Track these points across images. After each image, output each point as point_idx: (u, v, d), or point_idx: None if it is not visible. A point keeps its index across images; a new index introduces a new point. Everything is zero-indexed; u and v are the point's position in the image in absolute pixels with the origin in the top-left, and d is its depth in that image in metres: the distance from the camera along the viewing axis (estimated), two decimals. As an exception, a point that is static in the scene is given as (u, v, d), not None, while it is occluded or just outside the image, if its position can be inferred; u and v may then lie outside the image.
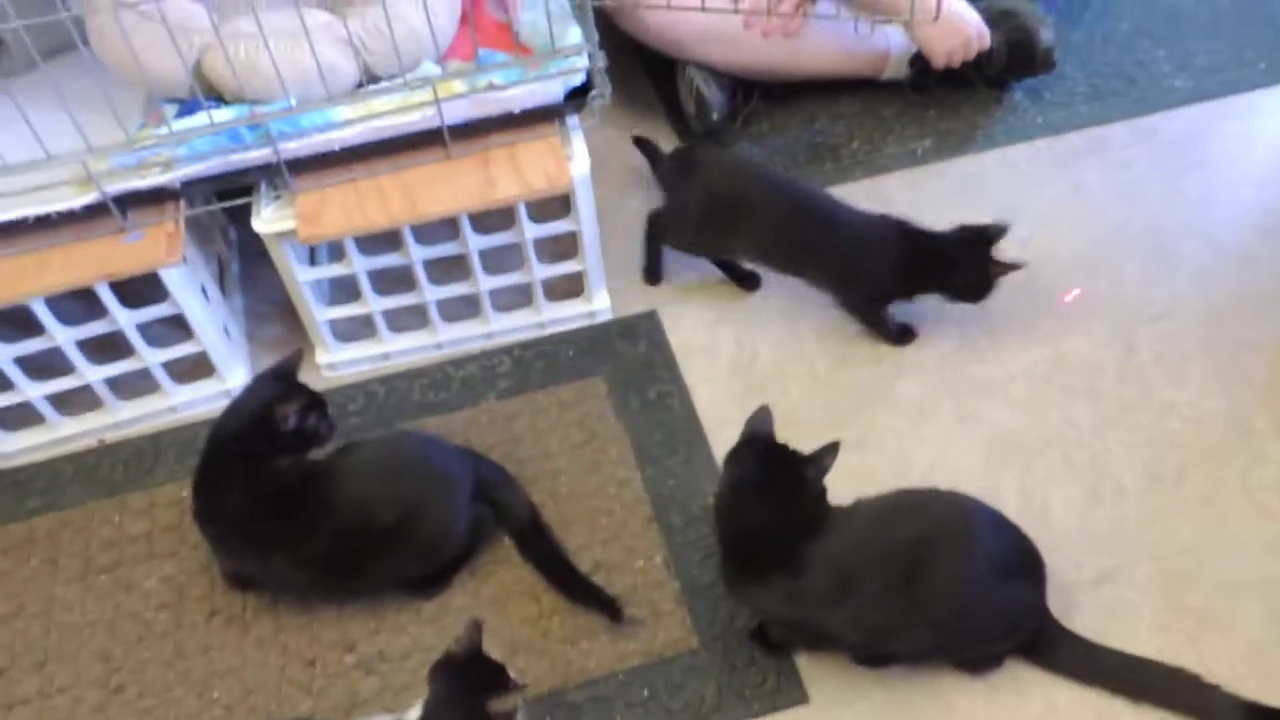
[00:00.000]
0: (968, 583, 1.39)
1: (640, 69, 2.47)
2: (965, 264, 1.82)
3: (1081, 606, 1.54)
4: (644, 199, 2.17)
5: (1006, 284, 1.85)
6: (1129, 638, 1.51)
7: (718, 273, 2.08)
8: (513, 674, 1.36)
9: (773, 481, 1.43)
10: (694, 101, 2.29)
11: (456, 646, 1.36)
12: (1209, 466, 1.72)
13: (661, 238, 2.06)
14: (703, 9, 2.02)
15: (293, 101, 1.75)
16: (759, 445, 1.47)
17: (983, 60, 2.26)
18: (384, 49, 1.82)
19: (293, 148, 1.77)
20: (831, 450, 1.41)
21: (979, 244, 1.80)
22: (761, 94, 2.37)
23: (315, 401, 1.62)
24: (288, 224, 1.78)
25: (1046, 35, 2.30)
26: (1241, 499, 1.67)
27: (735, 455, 1.48)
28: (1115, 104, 2.34)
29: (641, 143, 2.15)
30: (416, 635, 1.62)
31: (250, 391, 1.64)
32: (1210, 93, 2.34)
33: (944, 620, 1.39)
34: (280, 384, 1.63)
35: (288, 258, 1.82)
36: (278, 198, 1.82)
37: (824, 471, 1.42)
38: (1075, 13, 2.54)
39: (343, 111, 1.79)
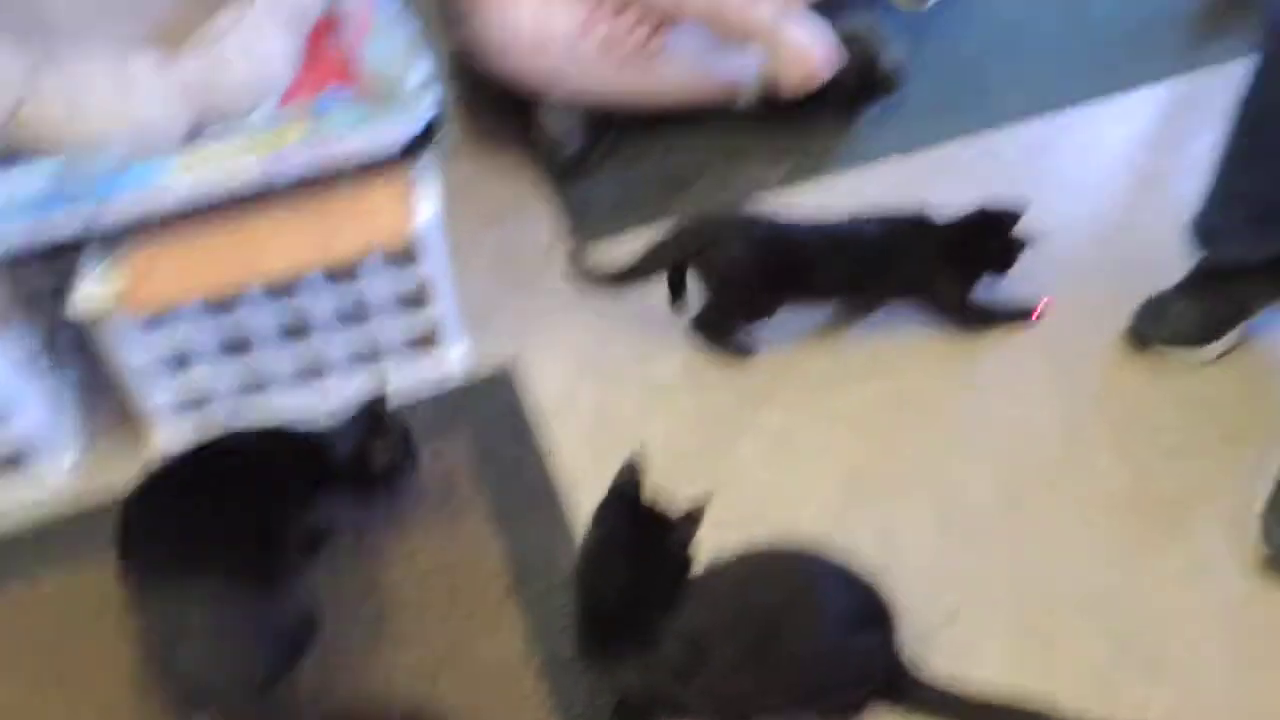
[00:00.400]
0: (817, 646, 1.41)
1: (499, 104, 2.41)
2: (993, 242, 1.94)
3: (938, 644, 1.58)
4: (500, 235, 2.14)
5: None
6: (985, 670, 1.55)
7: (580, 315, 2.06)
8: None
9: (636, 544, 1.42)
10: (549, 139, 2.26)
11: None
12: (1046, 485, 1.78)
13: (725, 329, 1.99)
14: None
15: (116, 154, 1.64)
16: (624, 504, 1.45)
17: (831, 86, 2.29)
18: (217, 95, 1.73)
19: (117, 209, 1.66)
20: (697, 514, 1.41)
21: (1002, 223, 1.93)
22: (618, 127, 2.35)
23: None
24: (108, 302, 1.66)
25: (889, 58, 2.34)
26: (1075, 516, 1.74)
27: (599, 514, 1.46)
28: (959, 120, 2.39)
29: (633, 273, 1.98)
30: None
31: None
32: (1049, 106, 2.41)
33: (796, 684, 1.41)
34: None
35: (113, 341, 1.71)
36: (101, 266, 1.70)
37: (689, 537, 1.41)
38: (922, 31, 2.59)
39: (172, 164, 1.69)
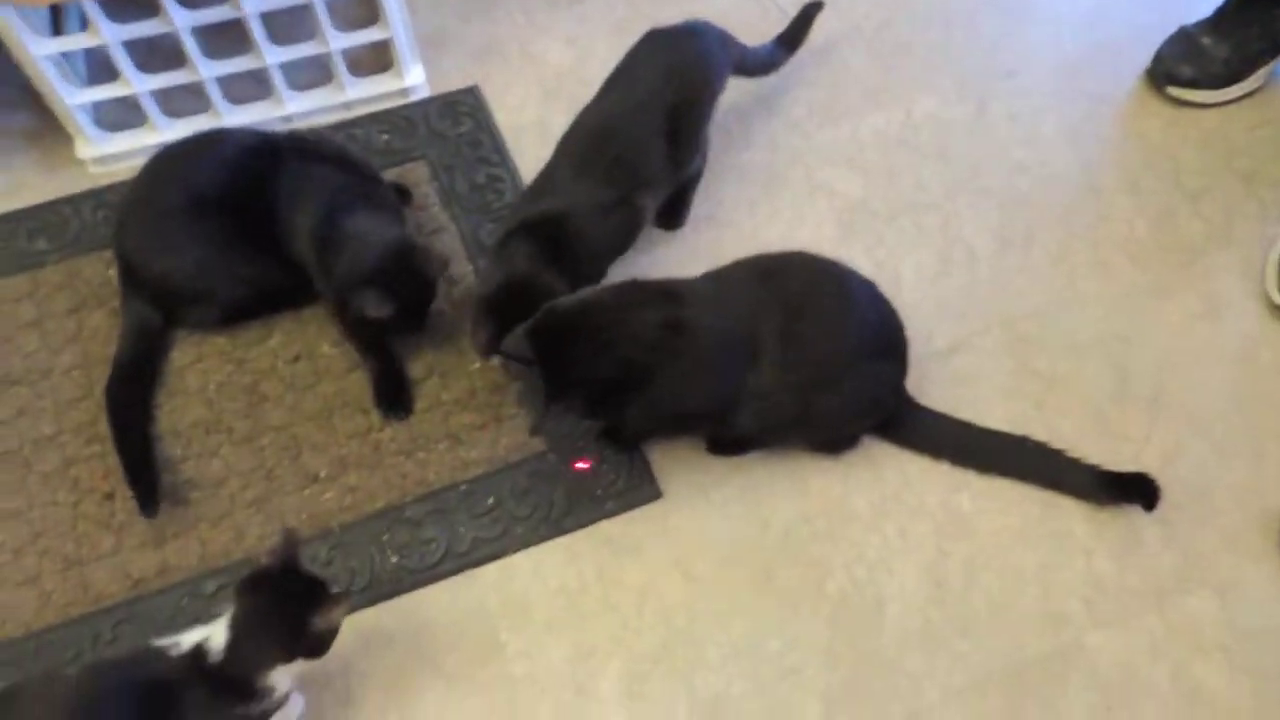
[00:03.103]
0: (844, 341, 1.32)
1: None
2: None
3: (934, 378, 1.50)
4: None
5: (854, 41, 1.71)
6: (979, 406, 1.48)
7: (539, 42, 1.88)
8: (333, 586, 1.18)
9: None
10: None
11: (269, 559, 1.15)
12: (1058, 226, 1.68)
13: None
14: None
15: None
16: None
17: None
18: None
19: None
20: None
21: None
22: None
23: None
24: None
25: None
26: (1088, 257, 1.64)
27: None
28: None
29: None
30: (230, 458, 1.46)
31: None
32: None
33: (815, 380, 1.31)
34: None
35: (14, 28, 1.49)
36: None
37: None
38: None
39: None
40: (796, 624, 1.34)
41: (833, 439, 1.44)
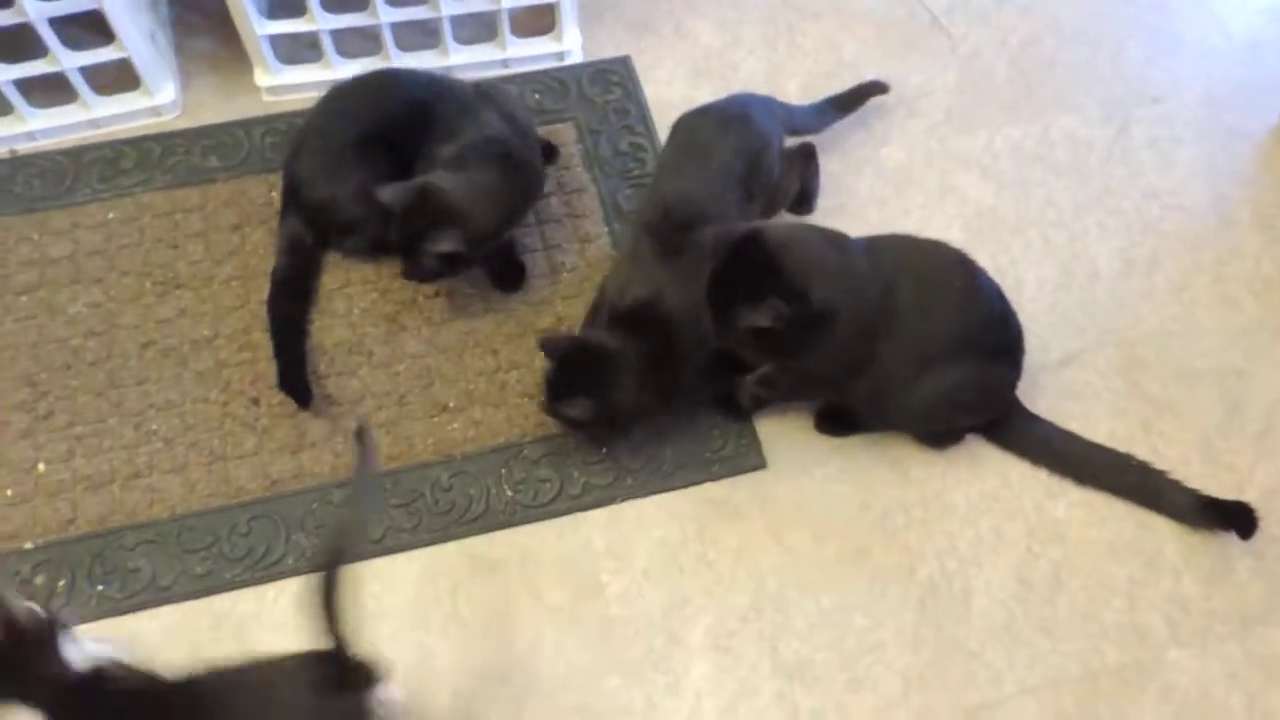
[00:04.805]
0: (966, 329, 1.37)
1: None
2: None
3: (1045, 387, 1.54)
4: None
5: (999, 52, 1.73)
6: (1086, 420, 1.52)
7: (692, 21, 1.94)
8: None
9: None
10: None
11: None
12: (1185, 255, 1.69)
13: None
14: None
15: None
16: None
17: None
18: None
19: None
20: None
21: None
22: None
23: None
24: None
25: None
26: (1212, 290, 1.66)
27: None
28: None
29: None
30: (368, 379, 1.56)
31: None
32: None
33: (931, 359, 1.36)
34: None
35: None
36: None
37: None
38: None
39: None
40: (884, 604, 1.40)
41: (938, 430, 1.49)
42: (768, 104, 1.62)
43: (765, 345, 1.34)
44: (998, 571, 1.42)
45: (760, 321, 1.27)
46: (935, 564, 1.43)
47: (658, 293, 1.43)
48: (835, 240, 1.36)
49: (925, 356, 1.36)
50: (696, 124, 1.55)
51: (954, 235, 1.70)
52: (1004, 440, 1.50)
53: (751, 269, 1.29)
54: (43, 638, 1.04)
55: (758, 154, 1.53)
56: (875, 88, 1.79)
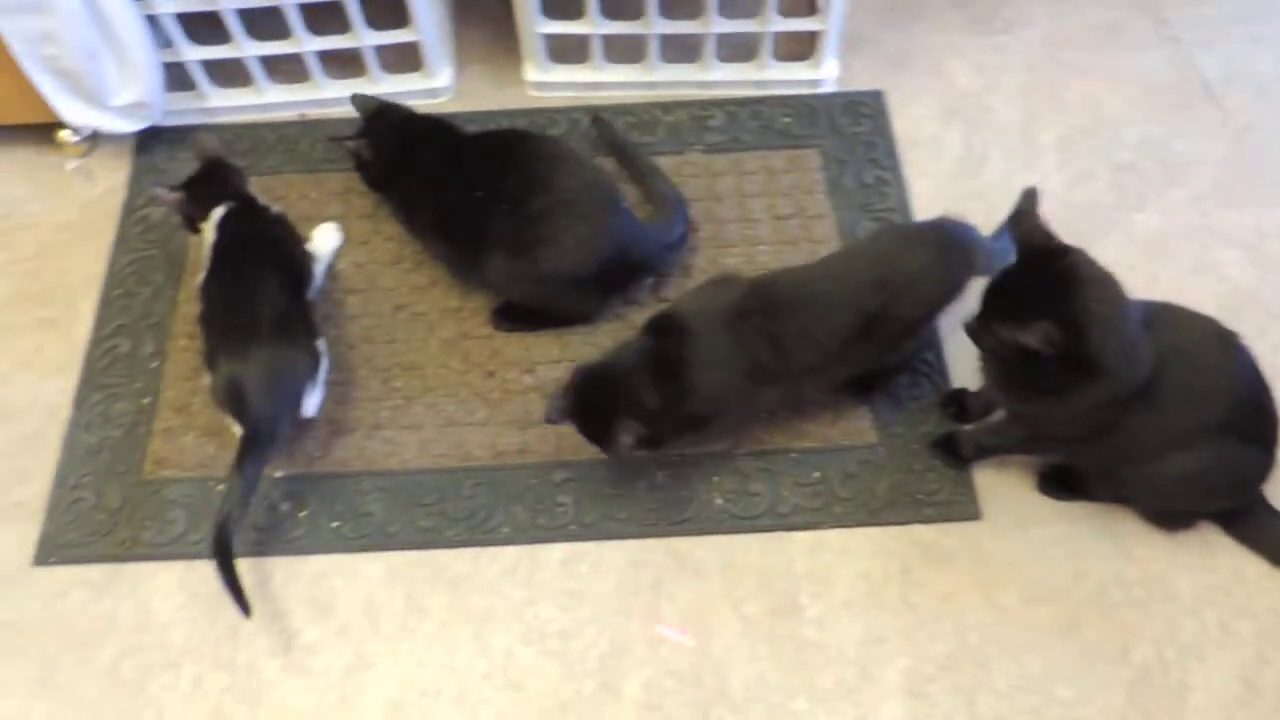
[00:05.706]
0: (1216, 405, 1.29)
1: None
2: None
3: (1293, 487, 1.46)
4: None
5: (1268, 128, 1.67)
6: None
7: (950, 62, 1.94)
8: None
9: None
10: None
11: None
12: None
13: None
14: None
15: None
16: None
17: None
18: None
19: None
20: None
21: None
22: None
23: None
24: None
25: None
26: None
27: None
28: None
29: None
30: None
31: None
32: None
33: (1175, 431, 1.29)
34: None
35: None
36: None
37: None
38: None
39: None
40: (1092, 679, 1.35)
41: (1174, 510, 1.43)
42: (966, 249, 1.46)
43: (1018, 368, 1.26)
44: (1221, 670, 1.35)
45: (1027, 340, 1.19)
46: (1151, 649, 1.37)
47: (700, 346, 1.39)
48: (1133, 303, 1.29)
49: (1177, 431, 1.30)
50: (880, 232, 1.51)
51: (1206, 313, 1.62)
52: (1242, 532, 1.43)
53: (1045, 283, 1.23)
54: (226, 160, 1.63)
55: (902, 299, 1.40)
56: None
